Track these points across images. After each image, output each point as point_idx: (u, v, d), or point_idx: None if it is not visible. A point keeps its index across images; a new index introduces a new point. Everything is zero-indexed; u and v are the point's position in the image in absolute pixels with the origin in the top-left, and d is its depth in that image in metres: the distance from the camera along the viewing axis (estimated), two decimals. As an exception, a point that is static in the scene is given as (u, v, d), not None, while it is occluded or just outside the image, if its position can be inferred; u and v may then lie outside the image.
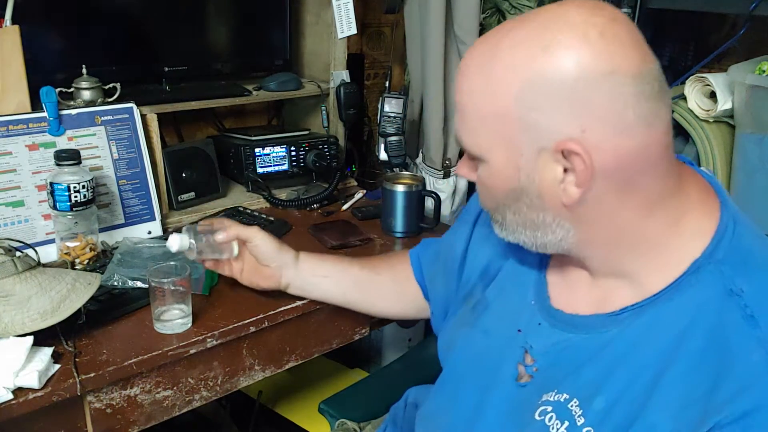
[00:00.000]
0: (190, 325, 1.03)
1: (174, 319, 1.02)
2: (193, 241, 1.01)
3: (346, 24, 1.63)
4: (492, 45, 0.66)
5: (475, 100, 0.67)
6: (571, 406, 0.69)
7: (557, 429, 0.70)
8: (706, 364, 0.62)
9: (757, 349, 0.61)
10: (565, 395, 0.70)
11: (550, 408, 0.71)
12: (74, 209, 1.17)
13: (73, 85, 1.31)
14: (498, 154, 0.67)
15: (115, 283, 1.11)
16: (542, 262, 0.81)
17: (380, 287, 1.09)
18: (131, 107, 1.35)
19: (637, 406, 0.65)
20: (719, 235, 0.67)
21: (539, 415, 0.72)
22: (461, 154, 1.79)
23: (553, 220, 0.68)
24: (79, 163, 1.18)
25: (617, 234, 0.68)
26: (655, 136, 0.63)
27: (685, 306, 0.65)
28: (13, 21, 1.21)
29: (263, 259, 1.05)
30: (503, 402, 0.77)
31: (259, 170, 1.60)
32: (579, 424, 0.68)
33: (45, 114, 1.24)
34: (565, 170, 0.64)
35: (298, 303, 1.13)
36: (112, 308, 1.06)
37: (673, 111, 0.85)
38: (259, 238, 1.04)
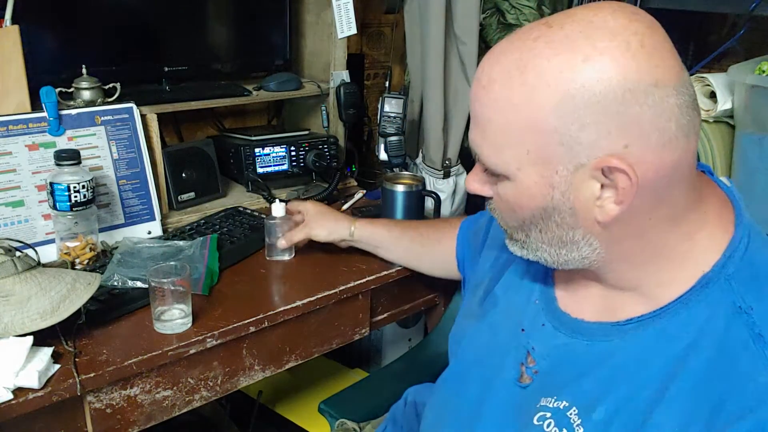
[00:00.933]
0: (190, 325, 1.03)
1: (174, 319, 1.02)
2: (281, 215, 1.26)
3: (346, 24, 1.63)
4: (520, 54, 0.61)
5: (505, 114, 0.62)
6: (570, 414, 0.68)
7: None
8: (712, 382, 0.61)
9: (764, 370, 0.59)
10: (564, 402, 0.69)
11: (549, 414, 0.70)
12: (74, 209, 1.17)
13: (73, 85, 1.31)
14: (529, 172, 0.63)
15: (115, 283, 1.11)
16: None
17: (426, 259, 1.21)
18: (131, 107, 1.35)
19: (638, 421, 0.63)
20: (731, 250, 0.65)
21: (537, 420, 0.71)
22: (461, 155, 1.80)
23: (582, 237, 0.65)
24: (79, 163, 1.18)
25: (641, 250, 0.66)
26: (690, 148, 0.61)
27: (692, 321, 0.64)
28: (13, 21, 1.21)
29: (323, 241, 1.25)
30: (503, 402, 0.77)
31: (259, 170, 1.60)
32: None
33: (45, 114, 1.24)
34: (601, 186, 0.61)
35: (298, 303, 1.13)
36: (112, 308, 1.06)
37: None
38: (313, 233, 1.24)
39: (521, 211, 0.67)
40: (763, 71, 1.24)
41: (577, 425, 0.67)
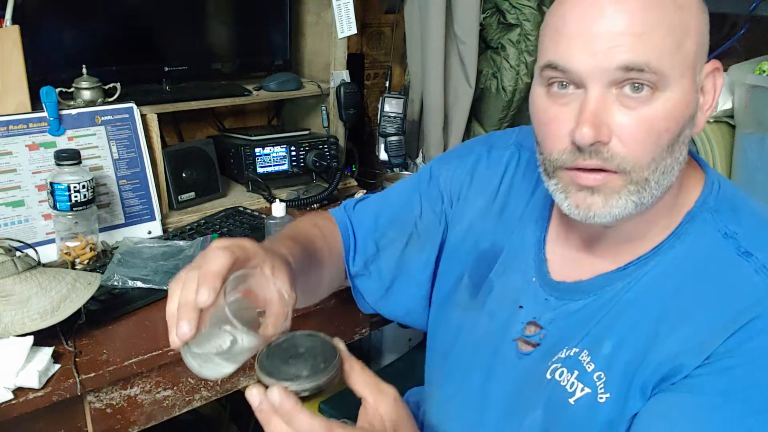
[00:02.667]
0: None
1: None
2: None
3: (346, 24, 1.63)
4: None
5: (673, 16, 0.61)
6: (581, 357, 0.72)
7: (568, 380, 0.72)
8: (710, 295, 0.66)
9: (756, 274, 0.65)
10: (574, 349, 0.72)
11: (560, 365, 0.73)
12: (74, 209, 1.17)
13: (73, 85, 1.31)
14: (687, 78, 0.63)
15: (115, 283, 1.11)
16: (541, 240, 0.82)
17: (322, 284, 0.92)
18: (131, 107, 1.35)
19: (644, 343, 0.67)
20: (708, 188, 0.72)
21: (550, 374, 0.73)
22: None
23: (681, 155, 0.67)
24: (79, 163, 1.18)
25: (668, 189, 0.69)
26: None
27: (685, 252, 0.70)
28: (13, 21, 1.21)
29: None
30: (508, 378, 0.79)
31: (259, 170, 1.60)
32: (589, 370, 0.70)
33: (45, 114, 1.24)
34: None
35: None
36: (112, 308, 1.06)
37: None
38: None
39: (675, 126, 0.63)
40: (763, 71, 1.24)
41: (587, 363, 0.71)
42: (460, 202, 0.90)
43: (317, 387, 0.57)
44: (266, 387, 0.57)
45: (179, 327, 0.57)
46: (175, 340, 0.58)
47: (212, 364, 0.60)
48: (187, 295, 0.59)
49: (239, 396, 1.71)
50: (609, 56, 0.60)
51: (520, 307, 0.80)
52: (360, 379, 0.60)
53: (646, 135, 0.62)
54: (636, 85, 0.61)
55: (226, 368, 0.61)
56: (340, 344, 0.61)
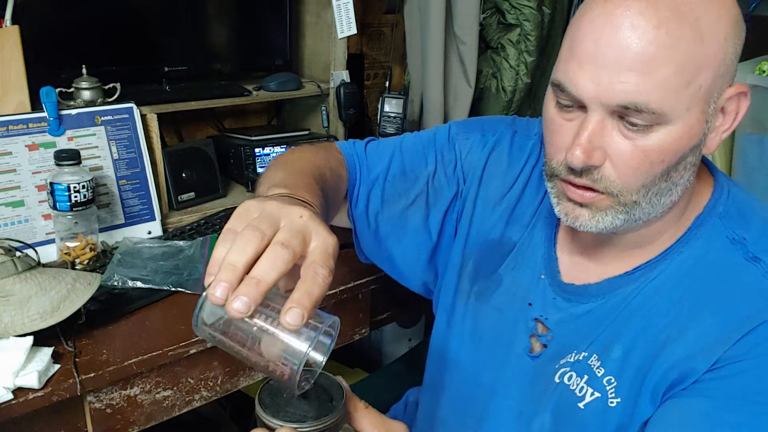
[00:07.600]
0: None
1: None
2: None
3: (346, 24, 1.63)
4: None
5: (684, 53, 0.59)
6: (591, 361, 0.72)
7: (577, 385, 0.72)
8: (716, 299, 0.67)
9: (764, 279, 0.66)
10: (583, 354, 0.73)
11: (568, 368, 0.73)
12: (74, 209, 1.17)
13: (73, 85, 1.31)
14: (696, 110, 0.62)
15: (115, 283, 1.11)
16: (551, 238, 0.82)
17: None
18: (131, 107, 1.35)
19: (655, 347, 0.68)
20: (717, 194, 0.72)
21: (558, 378, 0.74)
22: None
23: (690, 176, 0.67)
24: (79, 163, 1.18)
25: (677, 200, 0.69)
26: None
27: (693, 257, 0.70)
28: (13, 21, 1.21)
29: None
30: (518, 376, 0.79)
31: (259, 170, 1.60)
32: (599, 375, 0.71)
33: (45, 114, 1.24)
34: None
35: (298, 303, 1.12)
36: (112, 308, 1.06)
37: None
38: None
39: (671, 157, 0.63)
40: (763, 71, 1.25)
41: (597, 368, 0.71)
42: (473, 182, 0.89)
43: (327, 428, 0.53)
44: (269, 428, 0.53)
45: (236, 299, 0.46)
46: (217, 299, 0.47)
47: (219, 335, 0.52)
48: (269, 271, 0.48)
49: (239, 396, 1.71)
50: (611, 91, 0.61)
51: (530, 304, 0.80)
52: (366, 419, 0.57)
53: (639, 163, 0.63)
54: (633, 121, 0.62)
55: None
56: (343, 381, 0.58)
